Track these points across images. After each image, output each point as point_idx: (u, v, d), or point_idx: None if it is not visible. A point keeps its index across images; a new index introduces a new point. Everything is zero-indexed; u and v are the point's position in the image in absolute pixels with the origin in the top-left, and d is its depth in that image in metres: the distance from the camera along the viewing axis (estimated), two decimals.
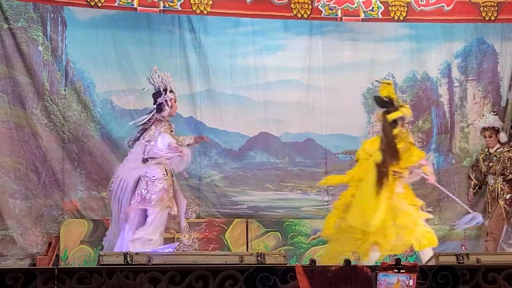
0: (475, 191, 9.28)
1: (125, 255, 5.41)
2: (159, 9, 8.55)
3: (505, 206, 8.81)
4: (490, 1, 9.01)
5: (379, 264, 5.57)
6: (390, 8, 8.95)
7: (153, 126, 7.35)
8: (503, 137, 9.12)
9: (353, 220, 7.27)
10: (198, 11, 8.57)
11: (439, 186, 8.21)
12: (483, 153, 9.20)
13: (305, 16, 8.77)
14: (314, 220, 9.25)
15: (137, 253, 5.53)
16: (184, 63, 9.35)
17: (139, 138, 7.42)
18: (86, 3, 8.34)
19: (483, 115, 9.34)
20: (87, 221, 8.69)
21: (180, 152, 7.35)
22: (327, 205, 9.47)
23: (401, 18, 8.97)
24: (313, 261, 5.40)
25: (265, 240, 9.00)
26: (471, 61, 9.88)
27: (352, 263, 5.41)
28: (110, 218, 8.01)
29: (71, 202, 8.88)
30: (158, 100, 7.37)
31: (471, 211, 8.23)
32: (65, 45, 9.07)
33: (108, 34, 9.19)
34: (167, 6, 8.52)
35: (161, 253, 6.49)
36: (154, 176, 7.25)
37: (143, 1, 8.45)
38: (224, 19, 9.19)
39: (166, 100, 7.36)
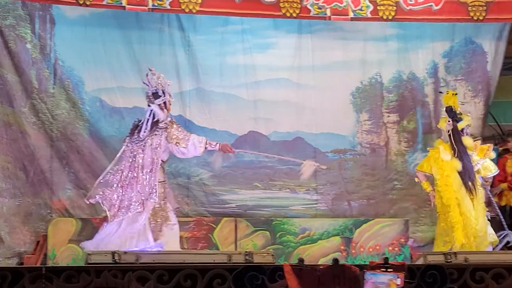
0: None
1: (113, 254, 5.41)
2: (148, 8, 8.51)
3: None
4: (479, 1, 9.03)
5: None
6: (378, 7, 8.94)
7: (169, 128, 7.22)
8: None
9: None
10: (187, 10, 8.56)
11: (492, 199, 8.27)
12: None
13: (294, 15, 8.77)
14: (302, 219, 9.25)
15: (125, 252, 5.53)
16: (173, 62, 9.32)
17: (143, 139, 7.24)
18: (74, 1, 8.29)
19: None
20: (76, 220, 8.63)
21: (230, 149, 7.36)
22: (316, 203, 9.48)
23: (390, 17, 8.97)
24: (301, 260, 5.41)
25: (254, 239, 8.97)
26: (459, 61, 9.89)
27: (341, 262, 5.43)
28: (100, 216, 8.00)
29: (59, 200, 8.85)
30: (156, 101, 7.26)
31: (505, 225, 8.19)
32: (54, 43, 9.03)
33: (97, 32, 9.15)
34: (156, 4, 8.49)
35: (149, 252, 6.47)
36: (159, 179, 7.19)
37: (131, 0, 8.43)
38: (213, 17, 9.16)
39: (165, 102, 7.31)
